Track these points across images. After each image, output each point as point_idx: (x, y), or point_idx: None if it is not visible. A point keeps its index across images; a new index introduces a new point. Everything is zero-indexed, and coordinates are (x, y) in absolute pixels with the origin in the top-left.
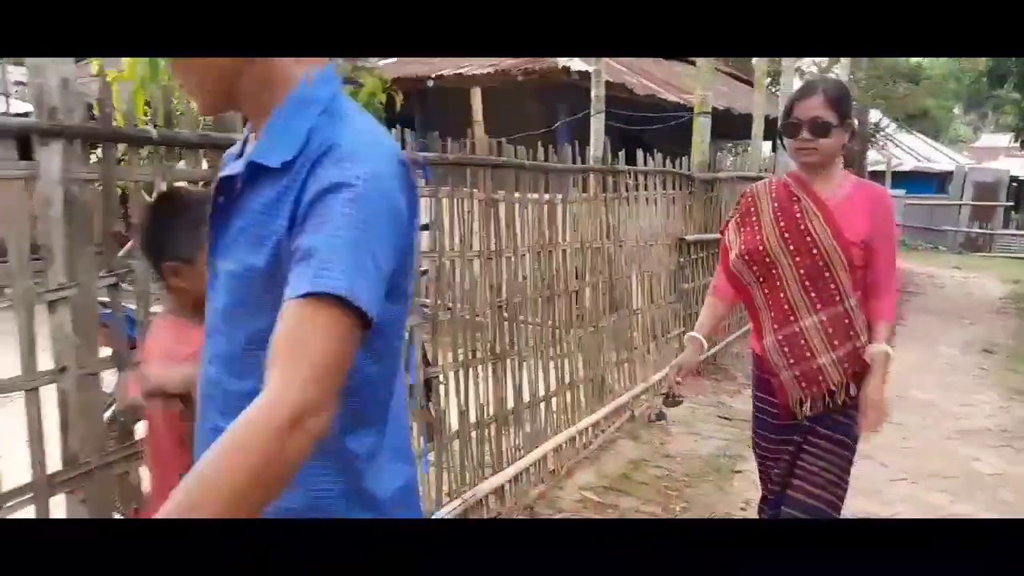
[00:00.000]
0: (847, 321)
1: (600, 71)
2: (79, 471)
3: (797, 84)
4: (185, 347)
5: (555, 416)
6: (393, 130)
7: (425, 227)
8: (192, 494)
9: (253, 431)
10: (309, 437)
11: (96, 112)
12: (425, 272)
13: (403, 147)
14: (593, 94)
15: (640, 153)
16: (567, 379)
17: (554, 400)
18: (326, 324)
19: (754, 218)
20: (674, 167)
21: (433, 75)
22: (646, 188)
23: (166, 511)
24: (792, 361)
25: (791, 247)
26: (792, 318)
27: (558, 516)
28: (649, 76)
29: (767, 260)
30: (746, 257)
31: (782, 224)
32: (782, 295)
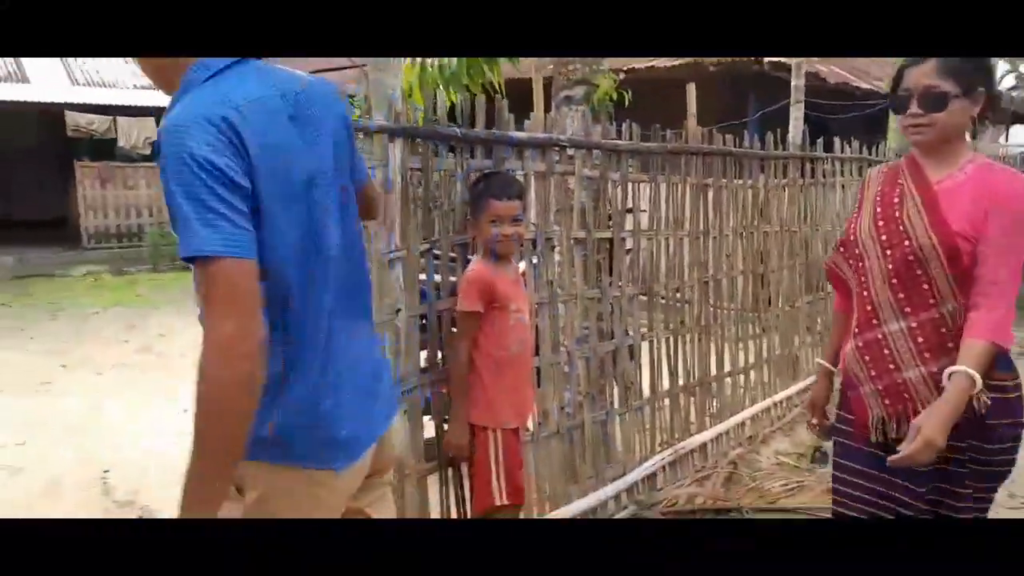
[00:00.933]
0: (943, 330)
1: (801, 62)
2: (410, 386)
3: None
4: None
5: (753, 387)
6: (623, 124)
7: (629, 210)
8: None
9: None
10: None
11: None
12: (629, 251)
13: (631, 138)
14: (793, 84)
15: (837, 141)
16: (764, 354)
17: (752, 372)
18: (205, 277)
19: (859, 205)
20: (870, 154)
21: (625, 68)
22: (842, 175)
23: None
24: (873, 373)
25: (882, 237)
26: (875, 321)
27: (756, 474)
28: (841, 64)
29: (857, 252)
30: (841, 249)
31: (878, 211)
32: (866, 293)
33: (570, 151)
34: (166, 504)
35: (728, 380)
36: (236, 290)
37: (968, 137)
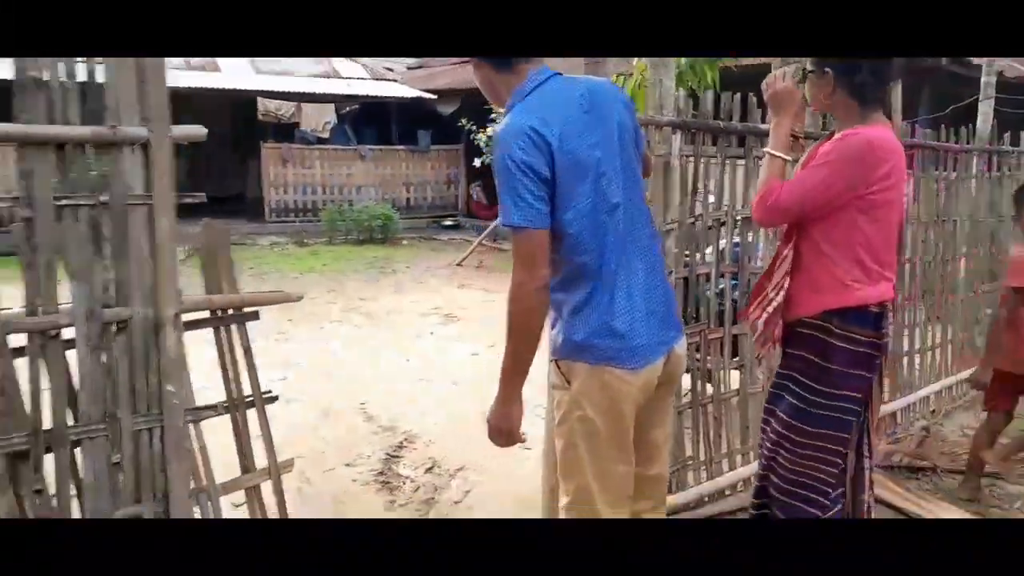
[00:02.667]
0: None
1: (992, 60)
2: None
3: None
4: None
5: (938, 365)
6: None
7: None
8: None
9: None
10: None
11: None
12: None
13: None
14: (983, 80)
15: None
16: (949, 335)
17: (937, 351)
18: (514, 240)
19: None
20: None
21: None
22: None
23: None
24: None
25: None
26: None
27: (942, 444)
28: (1021, 61)
29: None
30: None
31: None
32: None
33: (802, 140)
34: (424, 428)
35: (917, 358)
36: (529, 249)
37: None
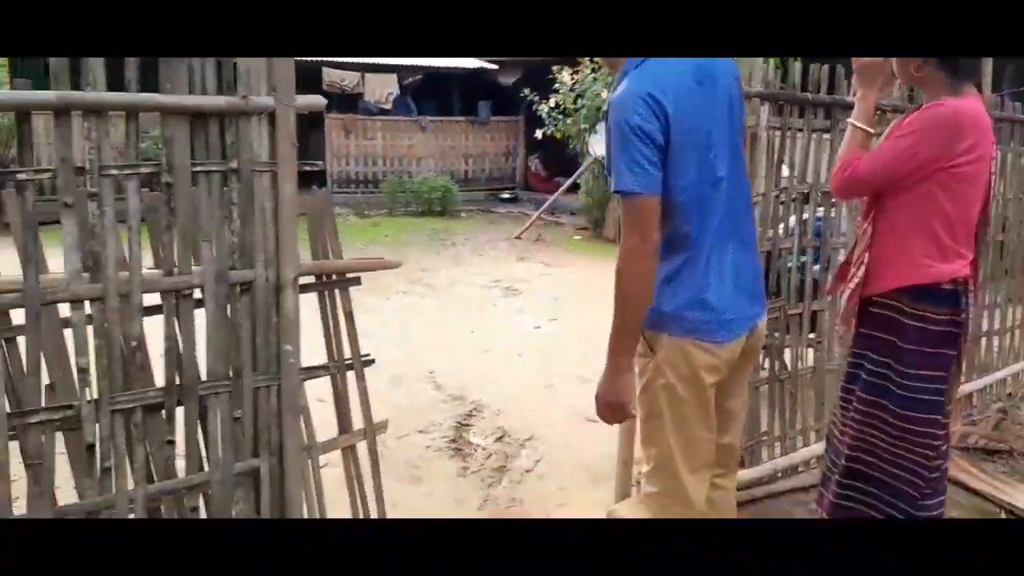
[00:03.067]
0: None
1: None
2: None
3: None
4: None
5: (1017, 347)
6: None
7: None
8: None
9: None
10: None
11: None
12: None
13: None
14: None
15: None
16: None
17: (1017, 333)
18: (625, 205)
19: None
20: None
21: None
22: None
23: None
24: None
25: None
26: None
27: (1019, 427)
28: None
29: None
30: None
31: None
32: None
33: (888, 115)
34: (492, 398)
35: (996, 339)
36: (642, 215)
37: None
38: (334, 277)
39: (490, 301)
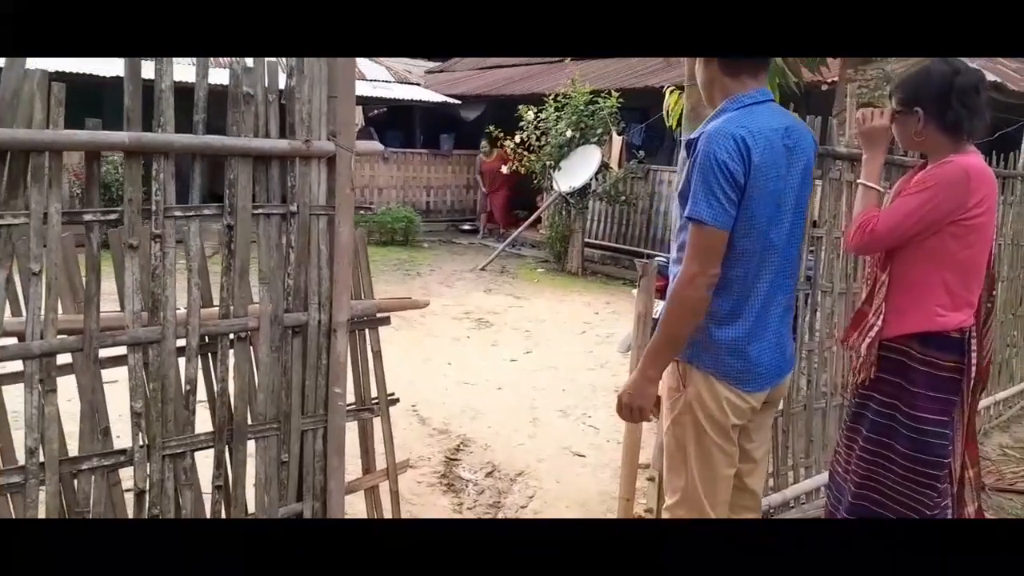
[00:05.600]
0: None
1: None
2: None
3: None
4: None
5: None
6: None
7: None
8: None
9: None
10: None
11: None
12: None
13: None
14: None
15: None
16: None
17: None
18: (694, 232)
19: None
20: None
21: None
22: None
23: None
24: None
25: None
26: None
27: (987, 463)
28: None
29: None
30: None
31: None
32: None
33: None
34: (477, 432)
35: None
36: (709, 246)
37: None
38: (364, 316)
39: (463, 333)
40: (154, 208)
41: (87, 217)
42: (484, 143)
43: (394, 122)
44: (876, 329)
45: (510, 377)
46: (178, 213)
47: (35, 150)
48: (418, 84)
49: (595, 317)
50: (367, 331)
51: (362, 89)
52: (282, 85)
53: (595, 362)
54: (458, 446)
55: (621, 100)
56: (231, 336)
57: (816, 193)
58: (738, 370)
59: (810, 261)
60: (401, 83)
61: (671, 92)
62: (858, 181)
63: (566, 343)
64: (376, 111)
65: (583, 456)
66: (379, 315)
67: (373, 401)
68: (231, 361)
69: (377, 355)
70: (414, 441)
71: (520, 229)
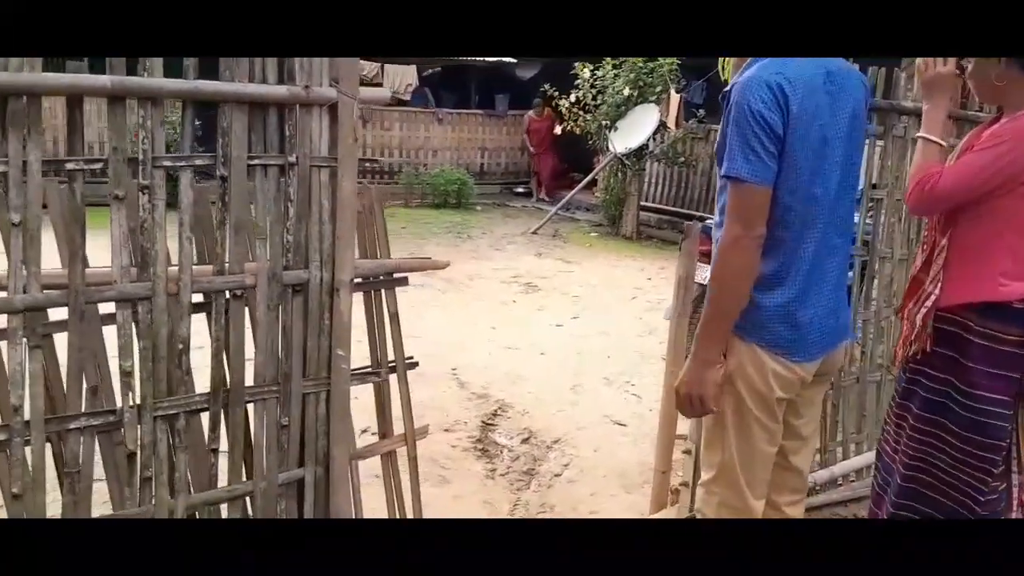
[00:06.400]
0: None
1: None
2: None
3: None
4: None
5: None
6: None
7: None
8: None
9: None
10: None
11: None
12: None
13: None
14: None
15: None
16: None
17: None
18: (734, 191)
19: None
20: None
21: None
22: None
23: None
24: None
25: None
26: None
27: None
28: None
29: None
30: None
31: None
32: None
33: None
34: (516, 398)
35: None
36: (750, 204)
37: None
38: (381, 277)
39: (510, 297)
40: (141, 157)
41: (69, 166)
42: (537, 100)
43: (448, 82)
44: (933, 298)
45: (555, 342)
46: (167, 163)
47: (13, 94)
48: None
49: (647, 283)
50: (384, 291)
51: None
52: None
53: (644, 328)
54: (496, 411)
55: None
56: (227, 294)
57: (877, 151)
58: (787, 339)
59: (868, 225)
60: None
61: None
62: (918, 135)
63: (615, 309)
64: (430, 70)
65: (624, 425)
66: (396, 275)
67: (390, 364)
68: (227, 320)
69: (394, 316)
70: (452, 405)
71: (574, 191)
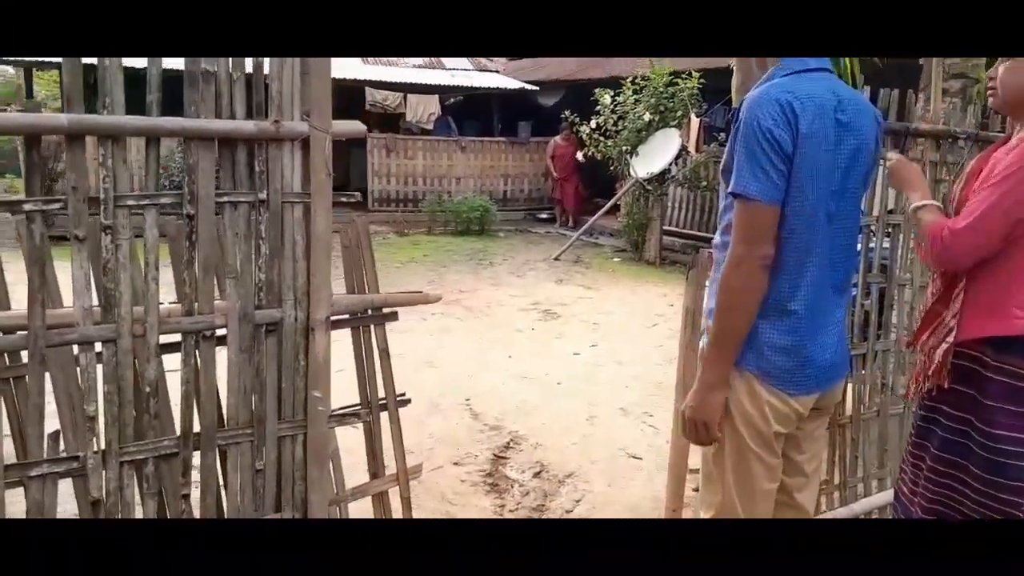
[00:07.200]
0: None
1: None
2: None
3: None
4: None
5: None
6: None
7: None
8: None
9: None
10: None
11: None
12: None
13: None
14: None
15: None
16: None
17: None
18: (740, 209)
19: None
20: None
21: None
22: None
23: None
24: None
25: None
26: None
27: None
28: None
29: None
30: None
31: None
32: None
33: (961, 142)
34: (530, 429)
35: None
36: (758, 223)
37: None
38: (369, 311)
39: (528, 324)
40: (103, 196)
41: (27, 207)
42: (563, 124)
43: (471, 110)
44: (954, 333)
45: (571, 371)
46: (131, 202)
47: None
48: (496, 71)
49: (669, 309)
50: (372, 327)
51: (441, 78)
52: (249, 62)
53: (663, 357)
54: (508, 443)
55: (703, 80)
56: (195, 336)
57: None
58: (786, 370)
59: (886, 250)
60: (480, 71)
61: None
62: (911, 207)
63: (635, 336)
64: (453, 99)
65: (639, 459)
66: (386, 310)
67: (380, 401)
68: (196, 362)
69: (384, 352)
70: (464, 436)
71: (596, 217)
